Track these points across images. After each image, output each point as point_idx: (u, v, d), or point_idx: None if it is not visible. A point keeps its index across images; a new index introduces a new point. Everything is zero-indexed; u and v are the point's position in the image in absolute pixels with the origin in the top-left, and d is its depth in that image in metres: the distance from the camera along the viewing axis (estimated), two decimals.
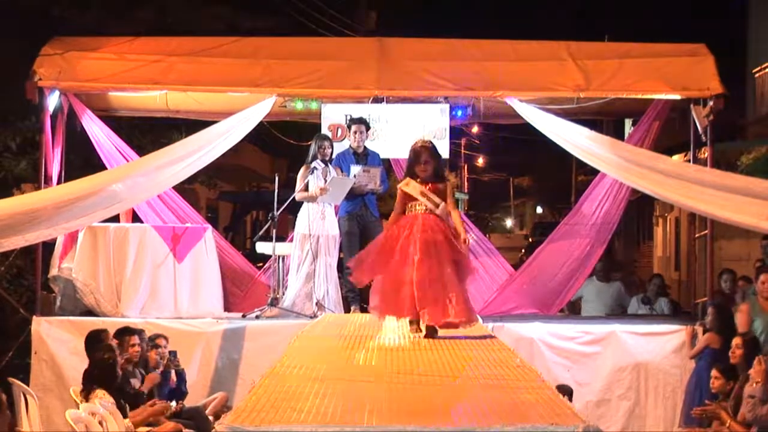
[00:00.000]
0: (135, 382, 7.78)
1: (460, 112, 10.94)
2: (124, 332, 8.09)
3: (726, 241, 14.66)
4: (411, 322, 6.73)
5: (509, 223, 56.29)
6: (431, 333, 6.62)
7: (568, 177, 31.32)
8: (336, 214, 9.93)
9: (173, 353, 8.43)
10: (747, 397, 7.44)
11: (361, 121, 10.02)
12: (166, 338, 8.56)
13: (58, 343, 9.29)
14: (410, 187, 6.91)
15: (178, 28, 11.91)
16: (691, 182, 8.80)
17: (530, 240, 32.12)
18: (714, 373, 8.20)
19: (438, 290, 6.58)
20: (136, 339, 8.00)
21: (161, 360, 8.31)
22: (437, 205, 6.82)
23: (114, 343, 7.92)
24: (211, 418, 7.97)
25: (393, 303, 6.73)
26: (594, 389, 9.45)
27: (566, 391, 8.46)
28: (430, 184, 6.90)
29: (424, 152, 6.94)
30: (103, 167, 10.08)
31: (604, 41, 12.95)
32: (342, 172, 9.82)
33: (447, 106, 10.60)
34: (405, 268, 6.65)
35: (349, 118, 10.23)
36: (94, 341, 8.03)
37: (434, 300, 6.57)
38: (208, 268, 9.99)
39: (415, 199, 6.85)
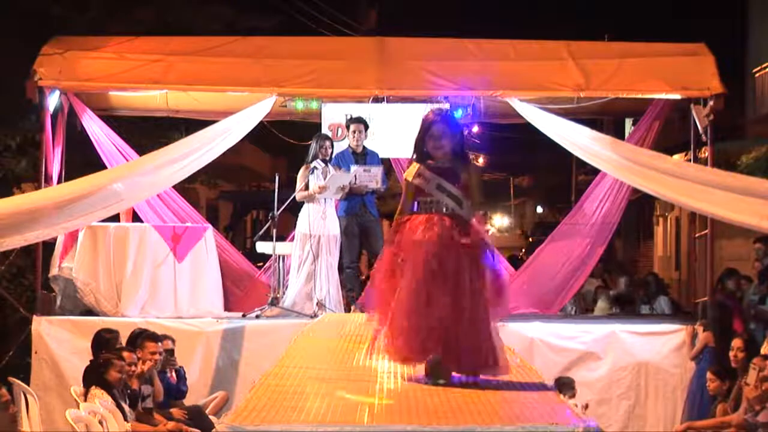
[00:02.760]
0: (145, 389, 7.76)
1: (460, 112, 10.93)
2: (146, 337, 8.03)
3: (726, 241, 14.65)
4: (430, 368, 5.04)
5: (506, 221, 56.19)
6: (436, 374, 5.00)
7: (568, 177, 31.28)
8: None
9: (170, 351, 8.43)
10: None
11: (360, 121, 10.02)
12: (173, 340, 8.56)
13: (58, 342, 9.28)
14: (420, 178, 5.14)
15: (178, 28, 11.91)
16: (691, 182, 8.80)
17: (530, 240, 32.09)
18: (709, 375, 8.23)
19: (444, 325, 4.90)
20: (158, 347, 7.96)
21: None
22: (459, 203, 5.10)
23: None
24: (212, 417, 7.96)
25: (393, 342, 5.05)
26: (594, 389, 9.45)
27: (567, 383, 8.51)
28: (446, 171, 5.15)
29: (439, 123, 5.20)
30: (103, 166, 10.08)
31: (604, 41, 12.96)
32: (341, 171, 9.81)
33: (447, 106, 10.59)
34: (405, 294, 4.97)
35: (347, 117, 10.23)
36: (103, 341, 8.03)
37: (438, 337, 4.90)
38: (208, 268, 9.98)
39: (427, 194, 5.15)
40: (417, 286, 4.94)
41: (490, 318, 4.98)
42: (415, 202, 5.18)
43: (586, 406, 8.57)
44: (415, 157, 5.29)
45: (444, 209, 5.09)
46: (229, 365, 9.31)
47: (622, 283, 11.72)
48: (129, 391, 7.53)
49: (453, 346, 4.89)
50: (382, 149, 10.35)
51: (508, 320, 9.43)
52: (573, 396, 8.64)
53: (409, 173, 5.22)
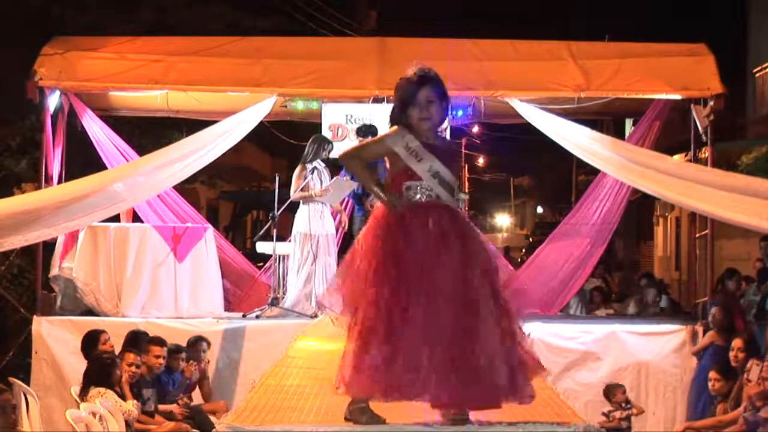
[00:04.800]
0: (147, 392, 7.77)
1: (460, 112, 10.93)
2: (152, 341, 8.09)
3: (726, 241, 14.66)
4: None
5: (506, 221, 56.25)
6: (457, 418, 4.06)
7: (568, 177, 31.34)
8: (334, 215, 9.97)
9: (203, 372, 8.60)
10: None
11: (369, 132, 9.90)
12: (208, 342, 8.66)
13: (58, 342, 9.29)
14: (409, 151, 4.10)
15: (178, 28, 11.91)
16: (692, 182, 8.80)
17: (530, 240, 32.16)
18: (713, 375, 8.21)
19: (444, 348, 3.94)
20: (162, 351, 7.98)
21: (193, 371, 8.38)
22: (452, 192, 4.17)
23: (109, 346, 7.98)
24: (212, 417, 7.97)
25: (363, 373, 4.01)
26: (594, 389, 9.44)
27: (611, 388, 8.50)
28: (437, 150, 4.17)
29: (427, 86, 4.14)
30: (103, 167, 10.09)
31: (604, 41, 12.96)
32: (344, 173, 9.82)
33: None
34: (387, 309, 3.99)
35: (360, 127, 10.12)
36: (92, 341, 8.07)
37: (434, 365, 3.94)
38: (208, 268, 9.99)
39: (415, 177, 4.15)
40: (397, 298, 3.98)
41: (505, 331, 4.05)
42: (401, 185, 4.16)
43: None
44: (393, 122, 4.25)
45: (436, 198, 4.12)
46: (229, 365, 9.31)
47: (651, 294, 11.56)
48: (134, 391, 7.55)
49: (452, 376, 3.95)
50: None
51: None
52: (626, 400, 8.59)
53: (395, 139, 4.12)
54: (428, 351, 3.93)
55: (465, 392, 3.96)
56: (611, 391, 8.64)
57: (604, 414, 8.56)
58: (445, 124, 10.31)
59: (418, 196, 4.13)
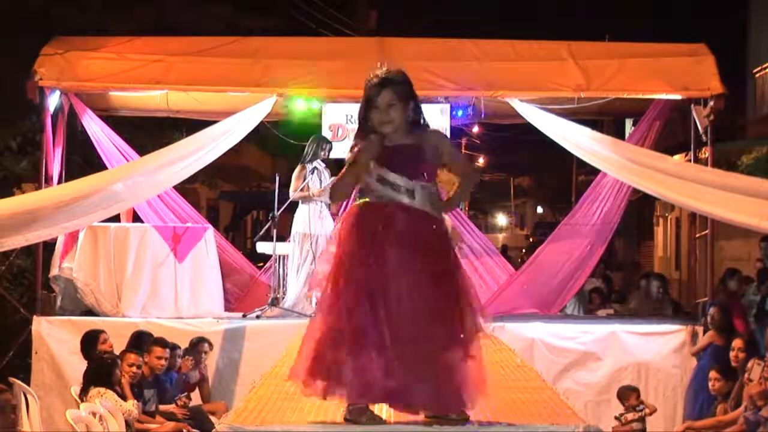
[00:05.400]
0: (148, 393, 7.78)
1: (460, 112, 10.94)
2: (156, 342, 8.10)
3: (726, 241, 14.66)
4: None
5: (506, 222, 56.27)
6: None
7: (568, 177, 31.35)
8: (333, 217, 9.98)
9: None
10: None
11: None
12: (210, 343, 8.67)
13: (58, 342, 9.29)
14: (361, 161, 4.14)
15: (178, 28, 11.91)
16: (691, 182, 8.80)
17: (530, 240, 32.20)
18: (713, 374, 8.21)
19: (395, 353, 4.01)
20: (165, 353, 7.99)
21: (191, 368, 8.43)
22: (410, 193, 4.12)
23: (108, 346, 7.97)
24: (212, 418, 7.97)
25: (317, 370, 4.13)
26: (594, 389, 9.45)
27: (624, 392, 8.49)
28: (403, 150, 4.16)
29: (387, 88, 4.13)
30: (103, 167, 10.09)
31: (604, 41, 12.96)
32: None
33: (447, 106, 10.60)
34: (344, 312, 4.07)
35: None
36: (91, 341, 8.08)
37: (383, 368, 4.02)
38: (208, 268, 9.99)
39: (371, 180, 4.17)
40: (343, 298, 4.06)
41: (455, 341, 4.06)
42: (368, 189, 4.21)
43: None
44: (360, 134, 4.27)
45: (393, 199, 4.12)
46: (229, 365, 9.31)
47: (654, 286, 11.55)
48: (135, 391, 7.56)
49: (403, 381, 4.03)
50: None
51: (508, 320, 9.56)
52: (640, 403, 8.56)
53: (352, 156, 4.20)
54: (368, 351, 4.02)
55: (405, 395, 4.05)
56: (625, 395, 8.62)
57: (616, 418, 8.55)
58: (446, 123, 10.54)
59: (376, 197, 4.16)
